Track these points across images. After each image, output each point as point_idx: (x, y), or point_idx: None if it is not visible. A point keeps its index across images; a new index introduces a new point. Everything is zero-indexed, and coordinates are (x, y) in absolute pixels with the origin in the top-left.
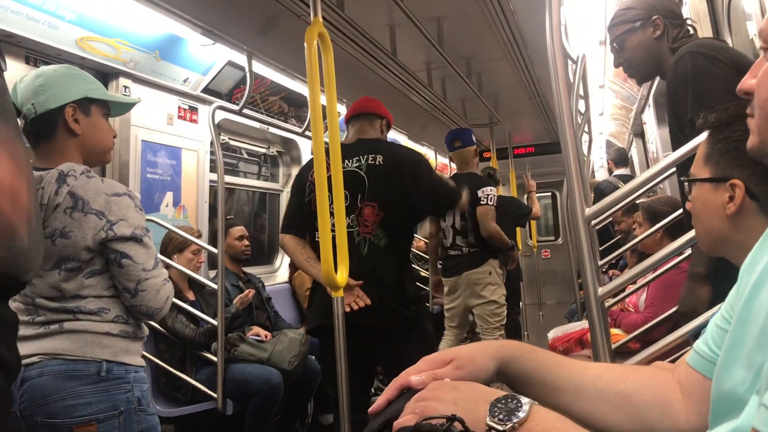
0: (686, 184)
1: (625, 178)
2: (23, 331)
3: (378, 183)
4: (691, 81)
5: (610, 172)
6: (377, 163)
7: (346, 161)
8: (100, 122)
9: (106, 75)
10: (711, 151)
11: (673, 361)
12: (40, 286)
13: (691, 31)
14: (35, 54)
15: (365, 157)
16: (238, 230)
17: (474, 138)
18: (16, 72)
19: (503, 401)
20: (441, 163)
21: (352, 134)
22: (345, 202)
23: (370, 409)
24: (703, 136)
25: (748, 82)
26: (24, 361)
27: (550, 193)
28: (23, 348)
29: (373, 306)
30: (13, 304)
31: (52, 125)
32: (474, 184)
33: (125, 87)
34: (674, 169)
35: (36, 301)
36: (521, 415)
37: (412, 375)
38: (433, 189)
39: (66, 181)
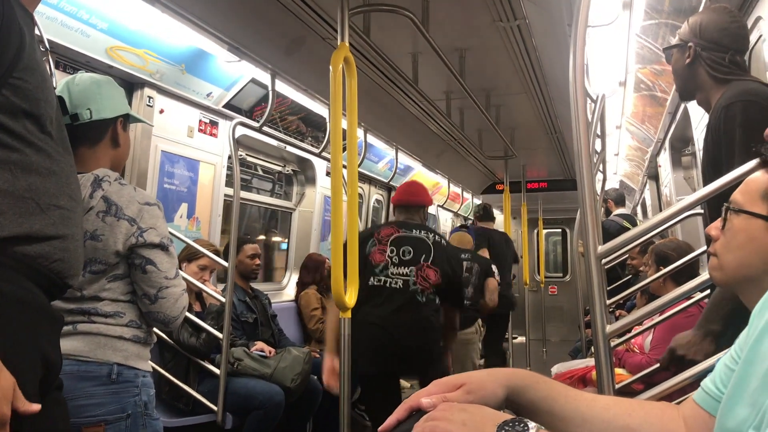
0: (726, 211)
1: (629, 218)
2: None
3: (440, 257)
4: (741, 133)
5: (609, 211)
6: (442, 243)
7: (414, 230)
8: (129, 138)
9: (132, 84)
10: None
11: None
12: None
13: (737, 65)
14: (65, 60)
15: (432, 234)
16: (251, 248)
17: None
18: None
19: (510, 424)
20: (453, 191)
21: (402, 216)
22: (407, 255)
23: (379, 429)
24: (743, 168)
25: None
26: None
27: (560, 230)
28: None
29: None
30: None
31: (102, 133)
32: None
33: (149, 97)
34: (687, 213)
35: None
36: None
37: (422, 397)
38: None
39: (101, 185)
